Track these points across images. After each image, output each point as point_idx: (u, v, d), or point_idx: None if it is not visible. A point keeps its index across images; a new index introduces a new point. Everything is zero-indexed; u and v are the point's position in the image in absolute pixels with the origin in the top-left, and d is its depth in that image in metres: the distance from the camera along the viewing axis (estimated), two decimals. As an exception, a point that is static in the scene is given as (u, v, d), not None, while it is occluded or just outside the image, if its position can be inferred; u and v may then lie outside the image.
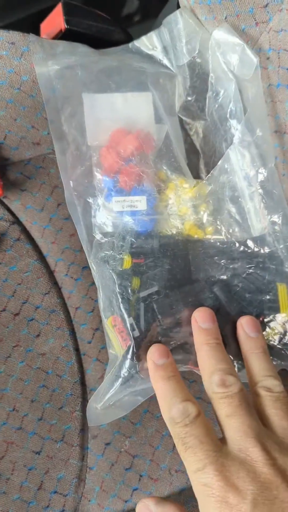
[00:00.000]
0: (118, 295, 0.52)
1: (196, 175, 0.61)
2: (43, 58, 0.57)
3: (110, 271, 0.53)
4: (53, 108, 0.55)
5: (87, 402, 0.55)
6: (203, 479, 0.32)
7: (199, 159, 0.64)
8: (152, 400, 0.56)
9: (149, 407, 0.55)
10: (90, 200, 0.55)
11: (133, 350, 0.51)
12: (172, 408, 0.36)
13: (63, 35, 0.63)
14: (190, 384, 0.57)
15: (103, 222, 0.55)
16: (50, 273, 0.57)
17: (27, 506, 0.50)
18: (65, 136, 0.55)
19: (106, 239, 0.55)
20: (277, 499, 0.30)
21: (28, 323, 0.55)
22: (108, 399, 0.54)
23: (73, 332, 0.56)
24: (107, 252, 0.54)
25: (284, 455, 0.33)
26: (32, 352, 0.54)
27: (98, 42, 0.65)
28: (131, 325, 0.51)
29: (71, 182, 0.55)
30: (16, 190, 0.58)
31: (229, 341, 0.50)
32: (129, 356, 0.51)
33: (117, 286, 0.52)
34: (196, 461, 0.32)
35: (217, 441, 0.34)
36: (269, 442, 0.33)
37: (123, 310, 0.52)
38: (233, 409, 0.35)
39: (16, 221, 0.58)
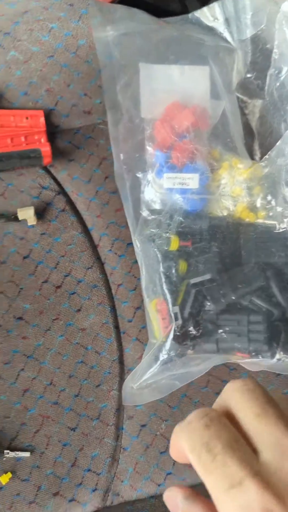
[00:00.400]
0: (162, 275, 0.50)
1: (249, 157, 0.59)
2: (101, 23, 0.54)
3: (155, 249, 0.51)
4: (108, 76, 0.53)
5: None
6: (242, 499, 0.23)
7: (254, 140, 0.62)
8: (191, 385, 0.55)
9: (188, 392, 0.54)
10: (140, 175, 0.53)
11: (174, 335, 0.49)
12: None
13: (121, 0, 0.60)
14: (230, 372, 0.55)
15: (151, 198, 0.53)
16: (94, 248, 0.56)
17: (60, 482, 0.50)
18: (118, 106, 0.53)
19: (153, 217, 0.53)
20: None
21: (70, 297, 0.54)
22: (144, 380, 0.53)
23: (113, 309, 0.55)
24: (153, 230, 0.52)
25: None
26: (72, 327, 0.53)
27: (154, 10, 0.62)
28: (175, 314, 0.49)
29: (121, 155, 0.53)
30: (64, 159, 0.56)
31: (281, 330, 0.49)
32: (169, 340, 0.49)
33: (161, 266, 0.51)
34: (229, 475, 0.23)
35: (250, 449, 0.25)
36: None
37: (167, 292, 0.50)
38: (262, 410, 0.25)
39: (62, 191, 0.56)
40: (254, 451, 0.24)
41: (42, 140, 0.54)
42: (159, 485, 0.51)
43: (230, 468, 0.23)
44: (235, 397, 0.25)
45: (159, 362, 0.51)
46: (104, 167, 0.57)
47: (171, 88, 0.56)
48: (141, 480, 0.51)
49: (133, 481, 0.51)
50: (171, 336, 0.48)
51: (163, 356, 0.50)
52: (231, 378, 0.55)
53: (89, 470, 0.51)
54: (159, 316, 0.50)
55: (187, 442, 0.25)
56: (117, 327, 0.55)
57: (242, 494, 0.22)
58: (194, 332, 0.49)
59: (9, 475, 0.49)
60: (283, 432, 0.23)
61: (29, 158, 0.51)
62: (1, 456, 0.49)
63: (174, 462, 0.51)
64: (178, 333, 0.49)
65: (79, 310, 0.54)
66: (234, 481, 0.23)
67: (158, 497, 0.51)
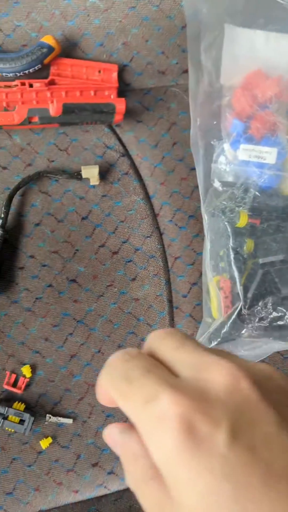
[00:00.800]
0: (231, 251, 0.48)
1: None
2: (189, -24, 0.51)
3: (226, 223, 0.49)
4: (193, 33, 0.50)
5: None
6: (156, 409, 0.22)
7: None
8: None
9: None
10: (214, 143, 0.50)
11: (237, 315, 0.47)
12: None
13: None
14: (284, 360, 0.53)
15: (224, 169, 0.50)
16: (154, 216, 0.53)
17: (100, 453, 0.48)
18: (201, 67, 0.50)
19: (225, 188, 0.50)
20: (259, 423, 0.22)
21: (126, 265, 0.51)
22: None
23: (168, 282, 0.52)
24: (224, 203, 0.49)
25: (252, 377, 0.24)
26: (125, 295, 0.51)
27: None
28: (237, 294, 0.47)
29: (198, 119, 0.50)
30: (132, 120, 0.54)
31: None
32: (231, 320, 0.47)
33: (231, 240, 0.48)
34: (145, 392, 0.23)
35: (169, 372, 0.25)
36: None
37: (235, 270, 0.47)
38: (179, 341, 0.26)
39: (126, 153, 0.53)
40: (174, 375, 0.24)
41: (112, 96, 0.51)
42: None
43: (147, 387, 0.23)
44: (156, 339, 0.25)
45: (215, 342, 0.49)
46: (173, 132, 0.54)
47: (254, 55, 0.52)
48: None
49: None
50: (234, 316, 0.46)
51: (220, 336, 0.48)
52: (284, 366, 0.53)
53: (130, 444, 0.49)
54: (222, 294, 0.47)
55: (108, 380, 0.25)
56: (170, 301, 0.52)
57: (157, 405, 0.22)
58: (259, 314, 0.46)
59: (50, 440, 0.47)
60: (200, 356, 0.24)
61: (101, 113, 0.49)
62: (43, 420, 0.47)
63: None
64: (242, 314, 0.47)
65: (134, 279, 0.51)
66: (149, 396, 0.22)
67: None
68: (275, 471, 0.21)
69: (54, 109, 0.47)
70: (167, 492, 0.22)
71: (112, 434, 0.26)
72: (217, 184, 0.50)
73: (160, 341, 0.26)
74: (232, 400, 0.22)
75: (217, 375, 0.23)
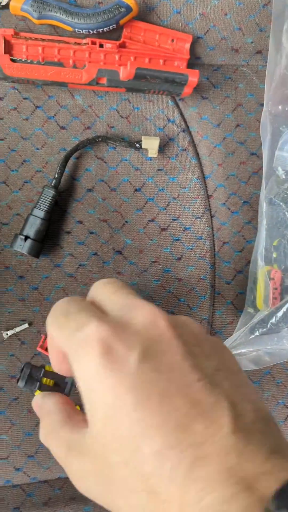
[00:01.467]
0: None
1: None
2: None
3: (286, 212, 0.47)
4: (278, 12, 0.48)
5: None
6: (82, 335, 0.27)
7: None
8: (278, 364, 0.51)
9: (272, 370, 0.51)
10: (283, 129, 0.49)
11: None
12: None
13: None
14: None
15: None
16: (207, 197, 0.52)
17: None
18: (280, 49, 0.48)
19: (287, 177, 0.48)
20: (167, 352, 0.26)
21: (173, 243, 0.50)
22: (235, 348, 0.50)
23: (213, 267, 0.51)
24: (287, 193, 0.47)
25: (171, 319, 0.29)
26: (169, 274, 0.50)
27: None
28: None
29: (270, 102, 0.48)
30: (197, 95, 0.52)
31: None
32: (281, 312, 0.46)
33: (289, 232, 0.47)
34: (77, 323, 0.27)
35: (101, 310, 0.29)
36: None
37: (290, 261, 0.46)
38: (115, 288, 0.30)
39: (187, 129, 0.52)
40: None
41: (181, 67, 0.49)
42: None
43: (79, 319, 0.27)
44: (97, 286, 0.30)
45: (258, 332, 0.48)
46: (238, 113, 0.52)
47: None
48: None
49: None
50: (285, 308, 0.45)
51: (267, 327, 0.47)
52: None
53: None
54: (271, 285, 0.46)
55: (51, 317, 0.29)
56: (213, 286, 0.51)
57: (83, 331, 0.26)
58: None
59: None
60: (131, 300, 0.27)
61: (172, 83, 0.47)
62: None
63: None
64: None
65: (179, 258, 0.50)
66: (79, 325, 0.26)
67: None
68: (172, 390, 0.25)
69: (126, 73, 0.45)
70: (76, 431, 0.27)
71: (36, 400, 0.31)
72: (280, 172, 0.48)
73: (99, 288, 0.30)
74: (148, 333, 0.26)
75: (139, 314, 0.27)
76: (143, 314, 0.27)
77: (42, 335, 0.47)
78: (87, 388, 0.26)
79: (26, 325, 0.47)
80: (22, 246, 0.45)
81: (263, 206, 0.48)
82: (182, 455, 0.24)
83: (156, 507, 0.24)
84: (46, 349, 0.47)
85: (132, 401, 0.25)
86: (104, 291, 0.30)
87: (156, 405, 0.25)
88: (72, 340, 0.27)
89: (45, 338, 0.47)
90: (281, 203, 0.47)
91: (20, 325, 0.47)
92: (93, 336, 0.26)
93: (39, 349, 0.47)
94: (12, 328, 0.47)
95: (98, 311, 0.28)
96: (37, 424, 0.46)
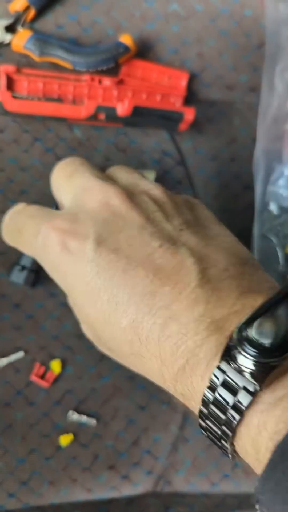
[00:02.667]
0: (280, 277, 0.48)
1: None
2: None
3: (277, 247, 0.49)
4: (271, 54, 0.49)
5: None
6: (39, 240, 0.29)
7: None
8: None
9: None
10: (275, 165, 0.50)
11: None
12: None
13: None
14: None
15: (282, 194, 0.50)
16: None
17: (118, 456, 0.48)
18: (272, 89, 0.50)
19: (279, 213, 0.50)
20: (124, 228, 0.27)
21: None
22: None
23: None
24: (279, 228, 0.49)
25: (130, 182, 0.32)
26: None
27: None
28: None
29: (263, 139, 0.50)
30: (192, 129, 0.53)
31: None
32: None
33: (280, 265, 0.48)
34: (31, 232, 0.30)
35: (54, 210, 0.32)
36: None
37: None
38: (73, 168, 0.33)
39: (183, 163, 0.53)
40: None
41: (177, 104, 0.51)
42: (213, 484, 0.49)
43: (31, 228, 0.30)
44: (54, 172, 0.34)
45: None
46: (232, 148, 0.54)
47: None
48: (196, 475, 0.49)
49: (188, 474, 0.49)
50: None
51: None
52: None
53: (148, 452, 0.49)
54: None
55: (5, 235, 0.34)
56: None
57: (40, 238, 0.29)
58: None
59: (71, 436, 0.47)
60: (86, 182, 0.30)
61: (168, 119, 0.48)
62: (66, 416, 0.47)
63: (234, 467, 0.50)
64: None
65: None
66: (34, 234, 0.30)
67: (210, 496, 0.49)
68: (134, 262, 0.26)
69: (124, 109, 0.47)
70: None
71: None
72: (272, 207, 0.50)
73: (56, 172, 0.32)
74: (100, 216, 0.27)
75: (93, 198, 0.28)
76: (96, 196, 0.28)
77: (36, 362, 0.48)
78: (59, 283, 0.30)
79: (22, 354, 0.48)
80: (19, 277, 0.46)
81: (255, 241, 0.49)
82: (154, 319, 0.25)
83: (143, 365, 0.28)
84: (41, 377, 0.48)
85: (101, 284, 0.26)
86: (60, 175, 0.32)
87: (121, 282, 0.26)
88: (35, 250, 0.30)
89: (39, 366, 0.48)
90: (272, 238, 0.49)
91: (16, 352, 0.48)
92: (49, 240, 0.28)
93: (33, 378, 0.48)
94: (7, 356, 0.48)
95: (48, 209, 0.31)
96: (30, 451, 0.47)
